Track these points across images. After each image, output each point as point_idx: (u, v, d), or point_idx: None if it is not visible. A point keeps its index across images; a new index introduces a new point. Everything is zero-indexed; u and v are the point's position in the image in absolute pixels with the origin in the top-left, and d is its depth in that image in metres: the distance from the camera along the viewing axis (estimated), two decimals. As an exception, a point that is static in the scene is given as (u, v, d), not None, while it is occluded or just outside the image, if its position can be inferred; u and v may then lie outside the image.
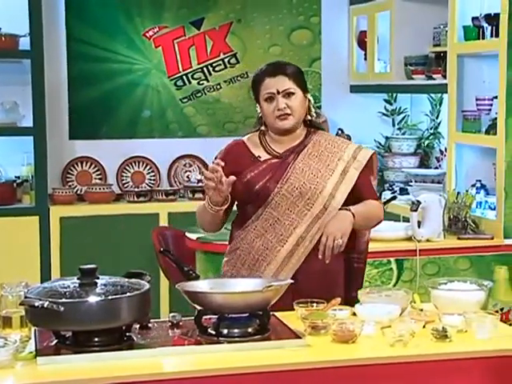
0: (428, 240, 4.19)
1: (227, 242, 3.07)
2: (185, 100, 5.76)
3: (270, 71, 2.94)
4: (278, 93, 2.90)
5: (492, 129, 4.40)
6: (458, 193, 4.42)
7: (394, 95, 5.89)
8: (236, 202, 2.97)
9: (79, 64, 5.54)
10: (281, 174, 2.92)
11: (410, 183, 5.29)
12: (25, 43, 5.13)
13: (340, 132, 5.81)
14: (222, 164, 2.76)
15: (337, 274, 2.96)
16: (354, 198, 2.93)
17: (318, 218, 2.89)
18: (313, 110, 3.03)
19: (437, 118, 5.60)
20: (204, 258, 4.31)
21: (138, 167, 5.66)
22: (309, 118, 3.00)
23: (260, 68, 3.00)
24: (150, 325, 2.56)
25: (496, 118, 4.35)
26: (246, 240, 2.95)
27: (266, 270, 2.90)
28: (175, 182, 5.75)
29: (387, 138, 5.85)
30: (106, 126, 5.64)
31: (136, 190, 5.54)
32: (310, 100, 3.01)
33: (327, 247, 2.76)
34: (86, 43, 5.54)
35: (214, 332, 2.46)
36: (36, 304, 2.32)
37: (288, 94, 2.90)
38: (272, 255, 2.90)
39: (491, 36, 4.38)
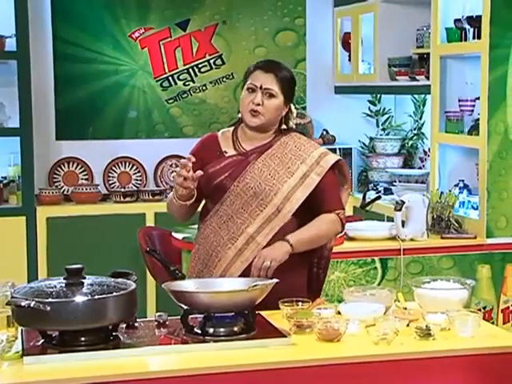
0: (412, 239, 4.22)
1: None
2: (171, 101, 5.77)
3: (264, 66, 2.94)
4: (261, 88, 2.89)
5: (474, 129, 4.43)
6: (442, 192, 4.45)
7: (378, 96, 5.92)
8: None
9: (65, 65, 5.55)
10: (239, 172, 2.91)
11: (394, 183, 5.32)
12: (11, 44, 5.13)
13: (325, 133, 5.84)
14: (193, 160, 2.75)
15: (298, 276, 2.93)
16: (314, 203, 2.90)
17: (270, 220, 2.88)
18: (292, 121, 3.01)
19: (420, 118, 5.64)
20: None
21: (125, 167, 5.67)
22: (284, 127, 2.98)
23: (261, 60, 3.03)
24: (136, 324, 2.57)
25: (478, 119, 4.39)
26: (203, 235, 2.97)
27: (217, 267, 2.90)
28: (161, 182, 5.77)
29: (371, 139, 5.88)
30: (93, 127, 5.64)
31: (122, 190, 5.55)
32: (291, 110, 2.99)
33: (255, 266, 2.77)
34: (72, 44, 5.54)
35: (200, 331, 2.47)
36: (22, 304, 2.32)
37: (268, 95, 2.89)
38: (223, 252, 2.90)
39: (473, 38, 4.41)
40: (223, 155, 2.95)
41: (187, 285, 2.63)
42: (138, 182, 5.72)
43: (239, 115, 2.98)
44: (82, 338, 2.39)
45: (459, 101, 4.63)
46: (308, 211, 2.91)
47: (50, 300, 2.34)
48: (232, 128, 3.03)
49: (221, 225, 2.92)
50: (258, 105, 2.88)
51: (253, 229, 2.88)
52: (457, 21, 4.52)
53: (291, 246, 2.81)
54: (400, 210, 4.18)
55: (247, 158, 2.93)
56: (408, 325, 2.60)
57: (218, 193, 2.92)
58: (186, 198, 2.84)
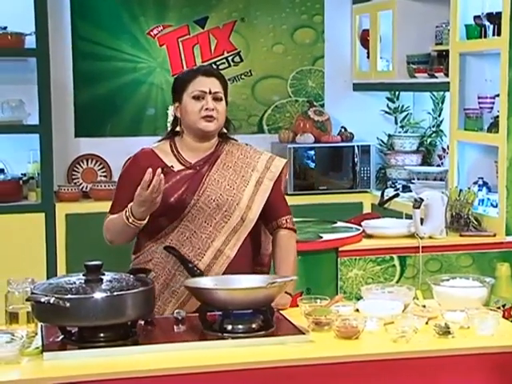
0: (430, 237, 4.21)
1: None
2: (189, 98, 5.77)
3: (205, 71, 2.91)
4: (210, 93, 2.85)
5: (494, 127, 4.41)
6: (461, 190, 4.44)
7: (397, 93, 5.91)
8: None
9: (84, 62, 5.56)
10: (196, 185, 2.84)
11: (413, 181, 5.31)
12: (30, 42, 5.14)
13: (343, 130, 5.83)
14: (162, 177, 2.63)
15: None
16: (265, 210, 2.89)
17: (235, 231, 2.85)
18: (230, 125, 2.98)
19: (439, 116, 5.62)
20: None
21: (143, 165, 5.68)
22: (224, 131, 2.95)
23: (188, 69, 3.00)
24: (154, 321, 2.58)
25: (498, 116, 4.37)
26: (158, 253, 2.85)
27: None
28: (179, 179, 5.77)
29: (390, 136, 5.87)
30: (111, 124, 5.66)
31: (140, 187, 5.55)
32: (226, 115, 2.95)
33: None
34: (91, 42, 5.56)
35: (218, 328, 2.48)
36: (42, 300, 2.34)
37: (217, 99, 2.86)
38: None
39: (493, 35, 4.39)
40: (171, 170, 2.85)
41: (205, 282, 2.64)
42: (157, 179, 5.72)
43: (177, 128, 2.90)
44: (101, 334, 2.40)
45: (478, 98, 4.61)
46: (259, 218, 2.90)
47: (69, 296, 2.36)
48: (165, 142, 2.94)
49: (183, 242, 2.83)
50: (213, 110, 2.84)
51: (219, 242, 2.83)
52: (476, 17, 4.50)
53: (290, 294, 2.83)
54: (419, 207, 4.17)
55: (199, 171, 2.87)
56: (427, 323, 2.60)
57: (175, 209, 2.81)
58: (146, 216, 2.70)
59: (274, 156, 2.99)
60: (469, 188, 4.51)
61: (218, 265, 2.84)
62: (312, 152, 5.58)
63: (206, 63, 5.69)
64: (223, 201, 2.84)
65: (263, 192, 2.89)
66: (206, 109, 2.84)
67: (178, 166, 2.88)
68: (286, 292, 2.74)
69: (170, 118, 2.98)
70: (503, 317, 2.76)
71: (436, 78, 5.09)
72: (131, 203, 2.71)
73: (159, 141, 2.99)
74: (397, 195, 4.74)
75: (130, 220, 2.72)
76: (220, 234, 2.84)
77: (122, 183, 2.90)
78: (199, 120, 2.84)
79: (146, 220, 2.74)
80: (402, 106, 5.94)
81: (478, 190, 4.55)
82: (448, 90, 4.79)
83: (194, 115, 2.85)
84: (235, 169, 2.90)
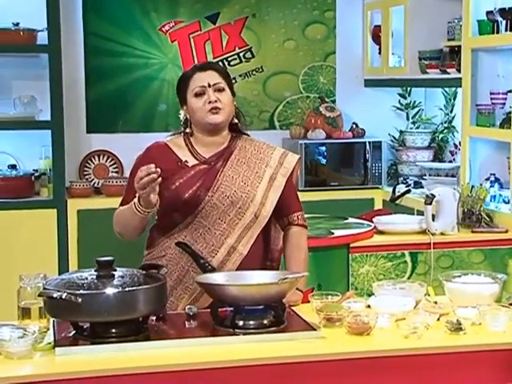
0: (442, 233, 4.20)
1: None
2: (200, 94, 5.77)
3: (200, 66, 2.91)
4: (209, 86, 2.84)
5: (506, 123, 4.39)
6: (472, 186, 4.43)
7: (409, 89, 5.89)
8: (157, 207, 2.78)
9: (96, 58, 5.58)
10: (210, 181, 2.83)
11: (424, 177, 5.30)
12: (43, 38, 5.15)
13: (354, 126, 5.82)
14: (158, 171, 2.60)
15: None
16: (278, 207, 2.89)
17: (248, 228, 2.84)
18: (241, 116, 2.97)
19: (451, 111, 5.60)
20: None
21: (154, 161, 5.68)
22: (235, 121, 2.94)
23: (185, 70, 2.98)
24: (166, 316, 2.59)
25: (510, 112, 4.35)
26: (172, 249, 2.86)
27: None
28: (191, 175, 5.78)
29: (401, 132, 5.86)
30: (123, 120, 5.67)
31: (152, 183, 5.56)
32: (236, 105, 2.94)
33: None
34: (103, 38, 5.57)
35: (229, 324, 2.48)
36: (54, 295, 2.34)
37: (219, 90, 2.85)
38: None
39: (506, 30, 4.37)
40: (186, 165, 2.86)
41: (217, 277, 2.64)
42: (168, 175, 5.73)
43: (188, 129, 2.89)
44: (113, 330, 2.40)
45: (491, 94, 4.59)
46: (271, 214, 2.90)
47: (81, 292, 2.36)
48: (178, 136, 2.94)
49: (196, 238, 2.83)
50: (216, 101, 2.82)
51: (233, 239, 2.83)
52: (489, 13, 4.48)
53: (301, 291, 2.83)
54: (430, 203, 4.16)
55: (214, 166, 2.86)
56: (438, 319, 2.59)
57: (189, 205, 2.80)
58: (153, 204, 2.68)
59: (287, 151, 2.99)
60: (481, 184, 4.50)
61: (231, 261, 2.84)
62: (323, 148, 5.58)
63: (217, 59, 5.69)
64: (237, 198, 2.83)
65: (276, 188, 2.89)
66: (210, 102, 2.83)
67: (192, 161, 2.88)
68: (296, 289, 2.73)
69: (182, 121, 2.96)
70: (515, 313, 2.74)
71: (448, 73, 5.08)
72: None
73: (172, 134, 2.99)
74: (408, 191, 4.74)
75: (137, 207, 2.71)
76: (234, 231, 2.83)
77: (133, 175, 2.90)
78: (206, 114, 2.83)
79: (154, 209, 2.72)
80: (414, 102, 5.93)
81: (490, 187, 4.54)
82: (460, 86, 4.77)
83: (200, 111, 2.84)
84: (249, 165, 2.90)
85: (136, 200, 2.72)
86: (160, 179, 2.62)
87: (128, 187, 2.90)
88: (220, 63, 5.73)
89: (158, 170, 2.61)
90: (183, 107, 2.93)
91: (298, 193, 3.06)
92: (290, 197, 2.95)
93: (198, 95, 2.85)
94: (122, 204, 2.89)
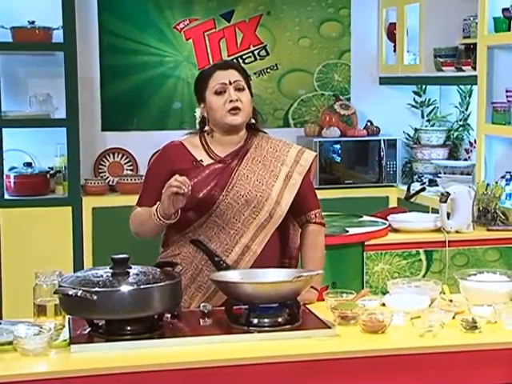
0: (457, 231, 4.19)
1: None
2: (215, 92, 5.77)
3: (221, 65, 2.90)
4: (230, 83, 2.83)
5: (522, 120, 4.39)
6: (488, 184, 4.41)
7: (424, 87, 5.87)
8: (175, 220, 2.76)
9: (111, 56, 5.59)
10: (225, 180, 2.82)
11: (439, 175, 5.28)
12: (58, 36, 5.17)
13: (369, 124, 5.81)
14: (190, 188, 2.61)
15: None
16: (294, 204, 2.87)
17: (263, 227, 2.83)
18: (258, 115, 2.95)
19: (466, 109, 5.58)
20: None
21: (169, 159, 5.69)
22: (253, 121, 2.92)
23: (204, 68, 2.96)
24: (180, 314, 2.59)
25: (526, 110, 4.34)
26: (186, 247, 2.86)
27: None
28: (205, 173, 5.78)
29: (416, 130, 5.84)
30: (138, 118, 5.68)
31: (166, 181, 5.57)
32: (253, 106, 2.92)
33: None
34: (118, 36, 5.58)
35: (244, 322, 2.48)
36: (70, 293, 2.36)
37: (239, 89, 2.84)
38: None
39: (522, 27, 4.37)
40: (201, 164, 2.85)
41: (232, 275, 2.64)
42: (183, 172, 5.74)
43: (206, 128, 2.89)
44: (128, 327, 2.42)
45: (506, 91, 4.57)
46: (288, 211, 2.88)
47: (96, 289, 2.37)
48: (194, 135, 2.94)
49: (211, 237, 2.83)
50: (237, 100, 2.82)
51: (247, 238, 2.82)
52: (505, 10, 4.46)
53: (317, 289, 2.83)
54: (445, 201, 4.15)
55: (229, 165, 2.85)
56: (454, 317, 2.59)
57: (204, 204, 2.80)
58: (171, 216, 2.69)
59: (304, 149, 2.97)
60: (496, 182, 4.48)
61: (244, 260, 2.83)
62: (338, 146, 5.57)
63: (231, 57, 5.69)
64: (252, 197, 2.83)
65: (292, 187, 2.87)
66: (231, 101, 2.82)
67: (207, 160, 2.87)
68: (312, 287, 2.73)
69: (198, 120, 2.95)
70: (531, 312, 2.73)
71: (463, 71, 5.06)
72: (159, 202, 2.70)
73: (188, 133, 2.99)
74: (423, 189, 4.72)
75: (155, 216, 2.71)
76: (248, 230, 2.83)
77: (150, 175, 2.91)
78: (225, 114, 2.82)
79: (173, 220, 2.71)
80: (429, 100, 5.91)
81: (506, 184, 4.52)
82: (475, 84, 4.76)
83: (220, 110, 2.83)
84: (264, 163, 2.88)
85: (154, 209, 2.71)
86: (189, 194, 2.62)
87: (145, 186, 2.91)
88: (235, 61, 5.75)
89: (190, 187, 2.61)
90: (200, 105, 2.92)
91: (313, 190, 3.06)
92: (308, 194, 2.93)
93: (218, 93, 2.84)
94: (138, 203, 2.90)
